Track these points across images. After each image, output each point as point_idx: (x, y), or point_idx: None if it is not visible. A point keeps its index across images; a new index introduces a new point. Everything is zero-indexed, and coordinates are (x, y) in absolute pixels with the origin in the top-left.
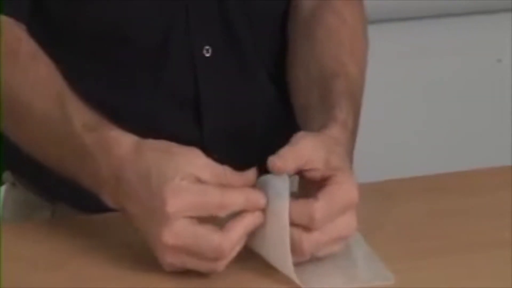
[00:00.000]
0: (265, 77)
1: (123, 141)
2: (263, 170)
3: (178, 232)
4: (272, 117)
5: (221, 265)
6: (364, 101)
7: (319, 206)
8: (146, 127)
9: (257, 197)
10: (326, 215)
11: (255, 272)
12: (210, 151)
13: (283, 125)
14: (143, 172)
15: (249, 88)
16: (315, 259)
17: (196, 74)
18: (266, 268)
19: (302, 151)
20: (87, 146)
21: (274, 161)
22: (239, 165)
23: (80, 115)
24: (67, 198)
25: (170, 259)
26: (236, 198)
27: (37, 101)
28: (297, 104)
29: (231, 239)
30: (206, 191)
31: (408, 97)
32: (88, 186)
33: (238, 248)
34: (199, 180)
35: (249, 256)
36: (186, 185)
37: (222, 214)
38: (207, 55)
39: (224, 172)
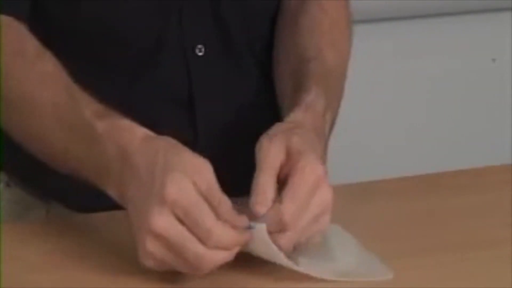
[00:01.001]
0: (259, 75)
1: (136, 130)
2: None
3: (167, 222)
4: (267, 115)
5: (200, 272)
6: (360, 100)
7: (285, 208)
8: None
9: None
10: (295, 213)
11: (249, 272)
12: (204, 150)
13: (277, 122)
14: (151, 158)
15: (243, 87)
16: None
17: (190, 73)
18: (260, 267)
19: (270, 173)
20: (97, 132)
21: (259, 210)
22: (233, 164)
23: (90, 104)
24: (61, 197)
25: (151, 248)
26: (226, 236)
27: (46, 92)
28: (278, 93)
29: (215, 259)
30: (202, 207)
31: (403, 96)
32: (91, 176)
33: (220, 264)
34: (196, 188)
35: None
36: (187, 184)
37: (207, 242)
38: (200, 54)
39: (219, 198)
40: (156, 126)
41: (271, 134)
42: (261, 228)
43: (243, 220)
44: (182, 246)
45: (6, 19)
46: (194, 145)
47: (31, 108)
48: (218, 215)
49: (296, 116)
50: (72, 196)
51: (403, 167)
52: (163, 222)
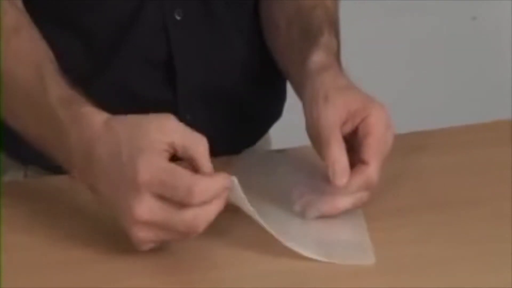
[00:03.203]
0: (239, 38)
1: (94, 118)
2: (236, 131)
3: (149, 207)
4: (246, 78)
5: (199, 232)
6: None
7: (372, 170)
8: (120, 89)
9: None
10: (379, 169)
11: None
12: (183, 113)
13: (257, 86)
14: (114, 149)
15: (223, 50)
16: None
17: (169, 37)
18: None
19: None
20: (61, 121)
21: (340, 182)
22: (213, 126)
23: (57, 88)
24: (38, 161)
25: (143, 235)
26: (207, 186)
27: (18, 70)
28: (277, 44)
29: (206, 214)
30: (175, 171)
31: (383, 55)
32: (59, 160)
33: (214, 215)
34: (171, 146)
35: None
36: (157, 161)
37: (192, 200)
38: (178, 18)
39: (195, 139)
40: (136, 88)
41: (322, 97)
42: (233, 181)
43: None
44: (170, 222)
45: None
46: (173, 106)
47: (6, 83)
48: (197, 170)
49: (320, 57)
50: (48, 159)
51: None
52: (145, 208)
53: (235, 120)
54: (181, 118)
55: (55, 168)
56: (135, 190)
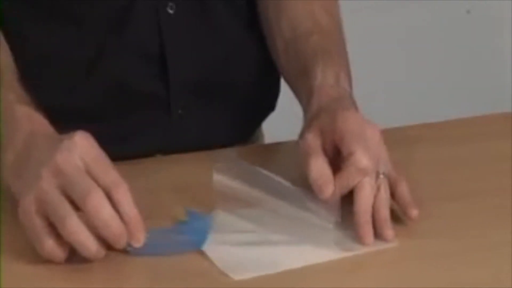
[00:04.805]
0: (232, 32)
1: (25, 126)
2: (229, 124)
3: (44, 190)
4: (239, 72)
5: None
6: None
7: (359, 155)
8: (113, 83)
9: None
10: (365, 154)
11: None
12: (175, 107)
13: (250, 79)
14: (34, 155)
15: (217, 42)
16: None
17: (161, 30)
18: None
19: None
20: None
21: (326, 190)
22: (205, 120)
23: (8, 88)
24: None
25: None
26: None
27: None
28: (279, 65)
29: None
30: (79, 175)
31: (377, 48)
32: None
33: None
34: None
35: None
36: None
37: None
38: (171, 11)
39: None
40: (128, 81)
41: (304, 131)
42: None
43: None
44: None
45: None
46: (166, 99)
47: None
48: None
49: (313, 105)
50: None
51: (382, 119)
52: (40, 193)
53: (228, 113)
54: (173, 112)
55: None
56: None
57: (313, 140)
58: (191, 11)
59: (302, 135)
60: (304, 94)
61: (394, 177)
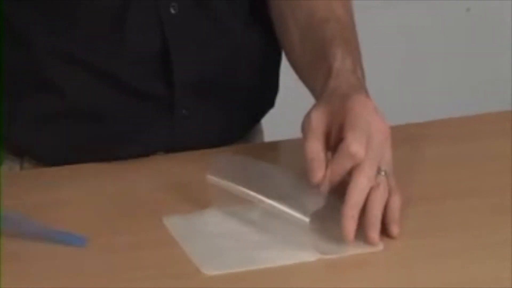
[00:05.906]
0: (235, 30)
1: None
2: (230, 121)
3: None
4: (241, 69)
5: None
6: None
7: (349, 141)
8: (116, 83)
9: None
10: (360, 140)
11: None
12: (180, 104)
13: (252, 76)
14: None
15: (221, 40)
16: None
17: (164, 31)
18: None
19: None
20: None
21: (316, 175)
22: (207, 118)
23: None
24: (33, 152)
25: None
26: None
27: None
28: (292, 59)
29: None
30: None
31: (378, 47)
32: None
33: None
34: None
35: None
36: None
37: None
38: (173, 12)
39: None
40: (132, 82)
41: (311, 109)
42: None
43: None
44: None
45: None
46: (169, 99)
47: None
48: None
49: (329, 86)
50: (43, 150)
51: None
52: None
53: (230, 111)
54: (177, 112)
55: (50, 160)
56: None
57: (316, 120)
58: (193, 11)
59: (308, 113)
60: (321, 75)
61: (390, 186)
